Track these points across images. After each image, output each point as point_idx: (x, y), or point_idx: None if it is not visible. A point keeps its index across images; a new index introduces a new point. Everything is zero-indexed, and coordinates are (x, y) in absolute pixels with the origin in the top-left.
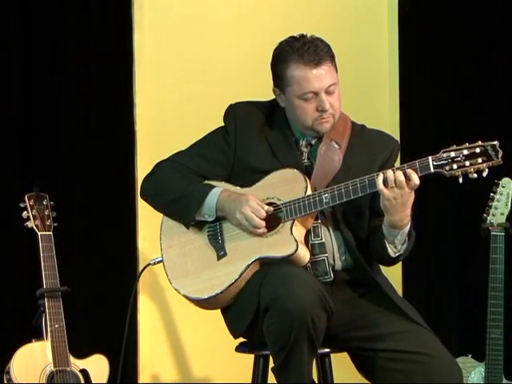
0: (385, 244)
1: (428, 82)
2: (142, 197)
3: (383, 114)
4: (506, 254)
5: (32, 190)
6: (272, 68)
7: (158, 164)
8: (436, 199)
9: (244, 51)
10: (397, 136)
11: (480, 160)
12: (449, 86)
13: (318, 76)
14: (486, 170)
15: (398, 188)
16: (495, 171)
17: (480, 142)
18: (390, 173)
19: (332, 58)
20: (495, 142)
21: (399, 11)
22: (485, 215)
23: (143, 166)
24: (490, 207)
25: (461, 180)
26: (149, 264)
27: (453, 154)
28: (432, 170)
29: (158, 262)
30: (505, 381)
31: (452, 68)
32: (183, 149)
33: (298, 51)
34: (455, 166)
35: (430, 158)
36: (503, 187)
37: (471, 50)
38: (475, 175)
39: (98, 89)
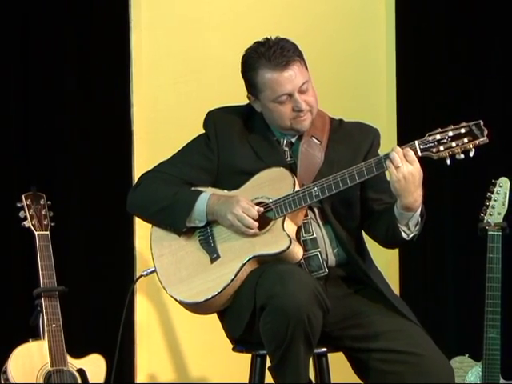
0: (397, 228)
1: (425, 81)
2: (130, 210)
3: (380, 112)
4: (503, 254)
5: (29, 190)
6: (243, 76)
7: (142, 176)
8: (433, 199)
9: (240, 51)
10: (394, 135)
11: (466, 140)
12: (446, 85)
13: (289, 78)
14: (473, 150)
15: (404, 164)
16: (492, 171)
17: (464, 123)
18: (395, 151)
19: (300, 56)
20: (479, 121)
21: (396, 10)
22: (482, 215)
23: (140, 166)
24: (487, 207)
25: (448, 162)
26: (141, 275)
27: (438, 137)
28: (420, 154)
29: (151, 273)
30: (502, 380)
31: (449, 66)
32: (166, 159)
33: (264, 56)
34: (442, 148)
35: (416, 142)
36: (500, 187)
37: (468, 48)
38: (462, 156)
39: (95, 89)
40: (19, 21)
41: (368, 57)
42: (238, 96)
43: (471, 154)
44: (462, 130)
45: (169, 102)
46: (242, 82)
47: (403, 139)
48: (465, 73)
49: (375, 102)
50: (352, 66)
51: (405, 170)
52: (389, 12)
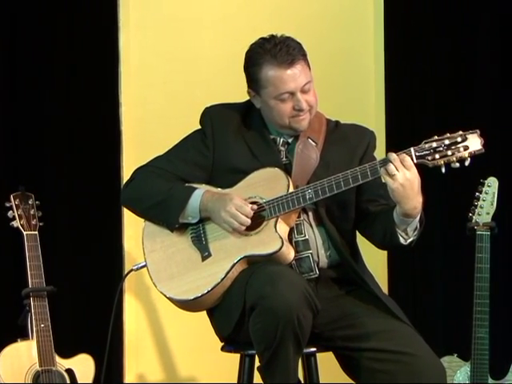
0: (395, 232)
1: (413, 81)
2: (123, 204)
3: (369, 112)
4: (492, 254)
5: (18, 190)
6: (245, 71)
7: (136, 170)
8: (422, 198)
9: (229, 51)
10: (383, 135)
11: (462, 149)
12: (434, 85)
13: (293, 76)
14: (469, 159)
15: (401, 171)
16: (481, 170)
17: (461, 132)
18: (391, 158)
19: (304, 56)
20: (476, 131)
21: (385, 10)
22: (470, 214)
23: (129, 166)
24: (476, 206)
25: (443, 170)
26: (131, 270)
27: (435, 145)
28: (415, 161)
29: (141, 267)
30: (490, 380)
31: (438, 66)
32: (161, 154)
33: (270, 52)
34: (437, 156)
35: (412, 149)
36: (489, 186)
37: (457, 48)
38: (457, 164)
39: (83, 89)
40: (7, 20)
41: (356, 57)
42: (228, 96)
43: (467, 163)
44: (459, 139)
45: (157, 101)
46: (231, 81)
47: (392, 140)
48: (453, 73)
49: (364, 103)
50: (340, 66)
51: (402, 176)
52: (377, 12)
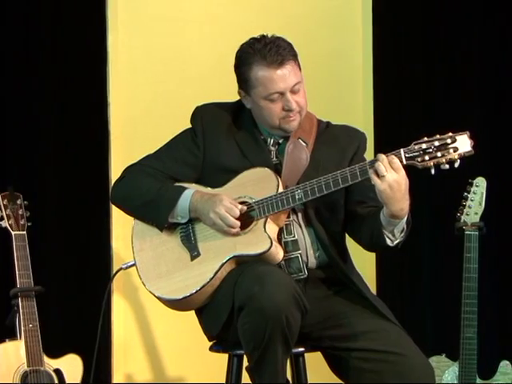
0: (382, 234)
1: (402, 81)
2: (113, 202)
3: (357, 113)
4: (480, 254)
5: (6, 190)
6: (236, 71)
7: (127, 168)
8: (410, 198)
9: (218, 51)
10: (371, 135)
11: (451, 150)
12: (423, 86)
13: (282, 76)
14: (458, 161)
15: (390, 172)
16: (469, 170)
17: (451, 134)
18: (380, 159)
19: (295, 56)
20: (466, 132)
21: (373, 10)
22: (459, 214)
23: (117, 166)
24: (464, 206)
25: (433, 171)
26: (120, 268)
27: (424, 146)
28: (404, 162)
29: (130, 266)
30: (478, 380)
31: (426, 67)
32: (151, 152)
33: (260, 52)
34: (427, 158)
35: (401, 150)
36: (477, 186)
37: (445, 49)
38: (447, 166)
39: (72, 89)
40: None
41: (345, 57)
42: (216, 95)
43: (456, 165)
44: (448, 140)
45: (146, 101)
46: (219, 80)
47: (380, 141)
48: (441, 73)
49: (352, 102)
50: (329, 65)
51: (390, 178)
52: (365, 11)
